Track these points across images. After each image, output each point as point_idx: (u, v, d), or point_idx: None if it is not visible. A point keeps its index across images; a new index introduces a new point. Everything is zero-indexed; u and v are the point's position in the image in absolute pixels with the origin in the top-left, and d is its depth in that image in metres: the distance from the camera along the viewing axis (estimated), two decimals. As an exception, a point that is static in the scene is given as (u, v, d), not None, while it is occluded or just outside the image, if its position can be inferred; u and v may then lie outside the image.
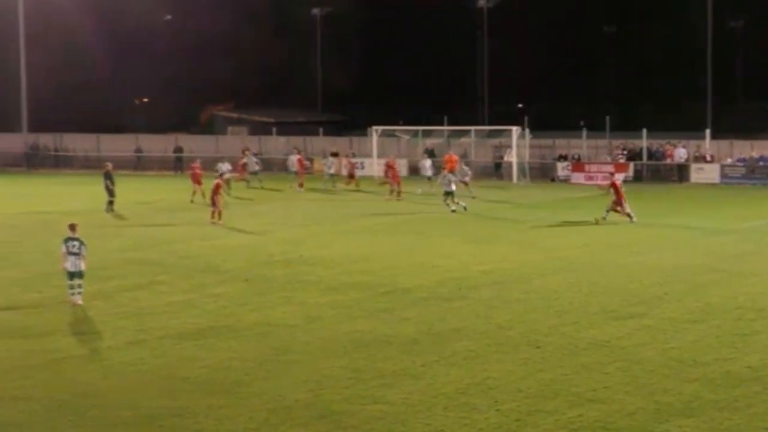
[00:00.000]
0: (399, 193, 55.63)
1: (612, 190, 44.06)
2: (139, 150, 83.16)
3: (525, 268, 32.34)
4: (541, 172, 70.03)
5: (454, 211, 47.80)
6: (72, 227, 27.21)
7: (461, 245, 37.88)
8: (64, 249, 26.87)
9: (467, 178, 56.31)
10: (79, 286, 26.85)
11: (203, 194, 50.93)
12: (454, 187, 48.90)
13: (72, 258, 26.73)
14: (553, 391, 18.83)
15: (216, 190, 44.98)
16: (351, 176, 64.34)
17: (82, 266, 26.82)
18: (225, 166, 57.57)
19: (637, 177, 67.51)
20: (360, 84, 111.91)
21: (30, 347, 22.41)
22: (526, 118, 70.97)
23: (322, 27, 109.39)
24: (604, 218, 43.64)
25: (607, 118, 73.87)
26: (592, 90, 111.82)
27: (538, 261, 33.76)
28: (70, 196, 58.06)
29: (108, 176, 50.01)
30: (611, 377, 19.71)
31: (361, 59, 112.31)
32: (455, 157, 60.89)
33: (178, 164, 77.79)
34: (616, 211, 43.82)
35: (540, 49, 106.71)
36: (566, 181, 67.85)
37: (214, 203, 44.99)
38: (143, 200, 55.36)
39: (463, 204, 48.55)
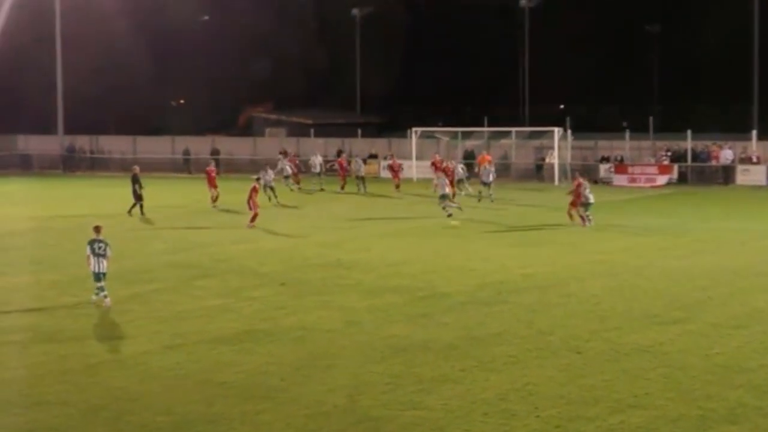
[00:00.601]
0: (453, 195, 51.86)
1: (575, 190, 44.13)
2: (187, 152, 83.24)
3: (566, 271, 32.04)
4: (583, 174, 69.47)
5: (450, 215, 46.91)
6: (97, 229, 27.28)
7: (500, 248, 37.59)
8: (88, 251, 26.93)
9: (491, 177, 55.57)
10: (103, 287, 26.91)
11: (217, 197, 52.08)
12: (447, 191, 48.21)
13: (98, 258, 26.77)
14: (594, 397, 18.53)
15: (251, 194, 44.86)
16: (396, 176, 63.87)
17: (106, 267, 26.89)
18: (269, 174, 57.06)
19: (682, 179, 67.16)
20: (399, 85, 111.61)
21: (65, 351, 22.30)
22: (567, 119, 70.55)
23: (361, 28, 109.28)
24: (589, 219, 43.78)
25: (651, 119, 73.42)
26: (636, 91, 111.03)
27: (580, 264, 33.44)
28: (106, 198, 58.13)
29: (135, 180, 49.70)
30: (654, 383, 19.38)
31: (401, 60, 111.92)
32: (488, 157, 60.47)
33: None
34: (571, 212, 44.13)
35: (582, 49, 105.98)
36: (608, 183, 67.44)
37: (249, 206, 44.90)
38: (179, 203, 55.51)
39: (450, 212, 46.71)
